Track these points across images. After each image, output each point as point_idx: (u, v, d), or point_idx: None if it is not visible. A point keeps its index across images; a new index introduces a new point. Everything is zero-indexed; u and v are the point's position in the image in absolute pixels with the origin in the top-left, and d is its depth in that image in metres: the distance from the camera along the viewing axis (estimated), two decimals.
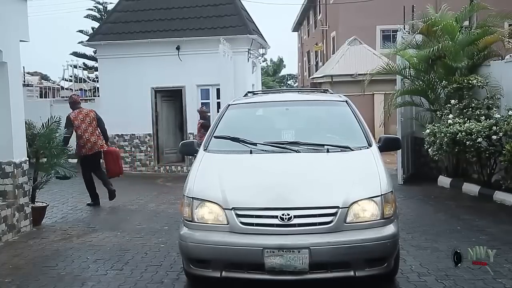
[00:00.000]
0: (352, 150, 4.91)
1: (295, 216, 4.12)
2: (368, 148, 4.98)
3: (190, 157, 8.12)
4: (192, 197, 4.40)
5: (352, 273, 4.16)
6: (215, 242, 4.20)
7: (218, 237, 4.21)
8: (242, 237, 4.16)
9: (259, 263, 4.08)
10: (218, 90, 12.94)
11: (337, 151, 4.90)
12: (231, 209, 4.21)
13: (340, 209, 4.14)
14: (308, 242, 4.06)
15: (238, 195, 4.34)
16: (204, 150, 5.12)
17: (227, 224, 4.21)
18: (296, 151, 4.88)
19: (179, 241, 4.46)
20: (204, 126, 11.62)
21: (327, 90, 7.46)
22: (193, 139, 10.97)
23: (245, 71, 13.74)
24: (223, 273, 4.23)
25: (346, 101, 5.81)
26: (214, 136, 5.29)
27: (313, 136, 5.26)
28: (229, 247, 4.16)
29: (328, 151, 4.84)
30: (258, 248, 4.07)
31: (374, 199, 4.27)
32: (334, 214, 4.13)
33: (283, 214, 4.12)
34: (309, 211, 4.19)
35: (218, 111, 11.36)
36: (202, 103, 13.36)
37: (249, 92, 7.45)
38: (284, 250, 4.04)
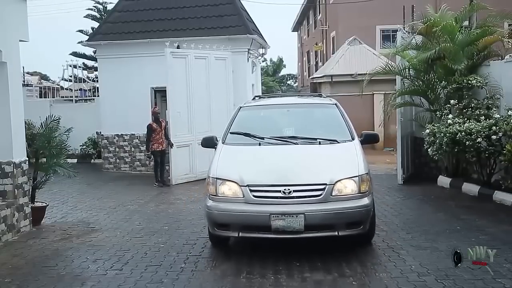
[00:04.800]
0: (339, 142, 6.25)
1: (294, 191, 5.45)
2: (351, 141, 6.29)
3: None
4: (216, 178, 5.73)
5: (336, 233, 5.47)
6: (234, 210, 5.54)
7: (236, 207, 5.54)
8: (254, 206, 5.48)
9: (267, 225, 5.38)
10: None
11: (327, 143, 6.22)
12: (246, 186, 5.54)
13: (328, 186, 5.46)
14: (303, 209, 5.37)
15: (251, 175, 5.67)
16: (222, 143, 6.47)
17: (243, 197, 5.54)
18: (295, 143, 6.21)
19: (206, 211, 5.80)
20: (149, 127, 11.58)
21: (321, 94, 9.45)
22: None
23: (245, 71, 13.72)
24: (240, 234, 5.58)
25: (336, 104, 7.17)
26: (230, 132, 6.64)
27: (309, 132, 6.55)
28: (244, 213, 5.49)
29: (319, 143, 6.18)
30: (266, 214, 5.38)
31: (353, 178, 5.58)
32: (323, 189, 5.46)
33: (285, 189, 5.44)
34: (304, 187, 5.50)
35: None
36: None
37: (256, 96, 8.97)
38: (286, 215, 5.35)
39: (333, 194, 5.47)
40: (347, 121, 6.65)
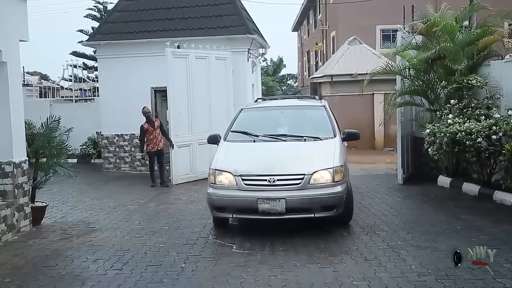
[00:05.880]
0: (321, 139, 7.30)
1: (277, 180, 6.48)
2: (332, 138, 7.30)
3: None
4: (215, 169, 6.83)
5: (313, 215, 6.46)
6: (228, 195, 6.64)
7: (230, 192, 6.64)
8: (245, 192, 6.54)
9: (255, 208, 6.43)
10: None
11: (311, 140, 7.31)
12: (238, 176, 6.61)
13: (306, 176, 6.47)
14: (285, 195, 6.40)
15: (243, 167, 6.75)
16: (224, 140, 7.56)
17: (236, 185, 6.61)
18: (284, 140, 7.35)
19: (207, 196, 6.89)
20: (141, 128, 11.56)
21: (315, 96, 10.94)
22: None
23: (245, 71, 13.72)
24: (234, 215, 6.83)
25: (324, 106, 8.23)
26: (231, 131, 7.74)
27: (298, 130, 7.61)
28: (237, 198, 6.58)
29: (305, 140, 7.32)
30: (254, 199, 6.43)
31: (328, 170, 6.57)
32: (302, 179, 6.46)
33: (270, 178, 6.49)
34: (286, 177, 6.53)
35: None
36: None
37: (258, 98, 10.52)
38: (270, 200, 6.39)
39: (310, 182, 6.46)
40: (332, 121, 7.73)
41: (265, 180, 6.48)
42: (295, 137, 7.37)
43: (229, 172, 6.67)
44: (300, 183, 6.44)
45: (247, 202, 6.50)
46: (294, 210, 6.44)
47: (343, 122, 11.15)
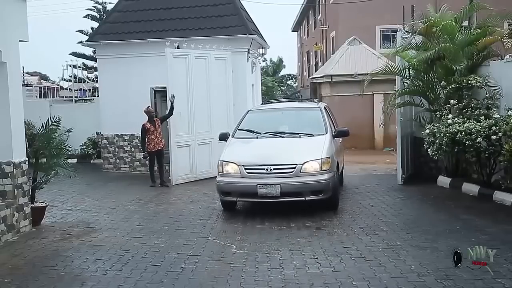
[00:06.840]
0: (314, 136, 8.51)
1: (274, 169, 7.69)
2: (323, 135, 8.49)
3: None
4: (223, 161, 8.12)
5: (303, 198, 7.70)
6: (234, 182, 7.93)
7: (235, 180, 7.91)
8: (247, 179, 7.81)
9: (255, 192, 7.68)
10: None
11: (305, 137, 8.52)
12: (242, 166, 7.87)
13: (297, 165, 7.68)
14: (280, 181, 7.61)
15: (246, 158, 8.05)
16: (232, 137, 8.91)
17: (240, 173, 7.88)
18: (282, 137, 8.66)
19: (216, 184, 8.18)
20: (143, 127, 11.57)
21: (313, 99, 12.77)
22: None
23: (245, 71, 13.71)
24: (238, 199, 8.07)
25: (319, 107, 9.50)
26: (238, 129, 9.13)
27: (295, 128, 8.87)
28: (240, 184, 7.86)
29: (300, 136, 8.54)
30: (254, 184, 7.68)
31: (317, 160, 7.76)
32: (294, 168, 7.68)
33: (267, 168, 7.71)
34: (281, 166, 7.73)
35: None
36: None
37: (264, 102, 12.66)
38: (267, 185, 7.63)
39: (301, 171, 7.66)
40: (325, 120, 8.91)
41: (264, 169, 7.71)
42: (292, 134, 8.65)
43: (234, 163, 7.94)
44: (292, 171, 7.65)
45: (248, 187, 7.74)
46: (288, 194, 7.63)
47: (343, 122, 11.18)
